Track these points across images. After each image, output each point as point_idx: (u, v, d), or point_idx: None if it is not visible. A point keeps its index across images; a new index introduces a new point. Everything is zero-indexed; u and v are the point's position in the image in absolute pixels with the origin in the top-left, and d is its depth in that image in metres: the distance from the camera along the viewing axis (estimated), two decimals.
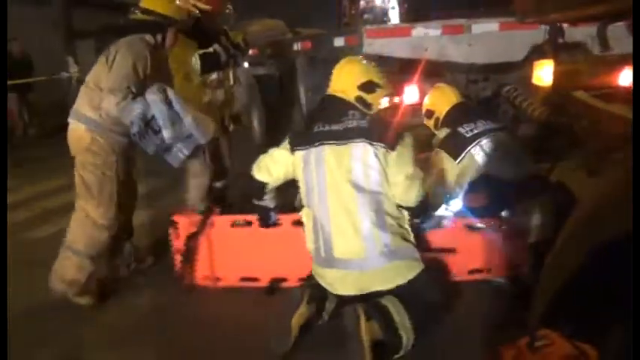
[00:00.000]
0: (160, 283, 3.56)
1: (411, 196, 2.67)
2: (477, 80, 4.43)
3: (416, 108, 4.15)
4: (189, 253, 3.33)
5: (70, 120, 3.23)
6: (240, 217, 3.25)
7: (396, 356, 2.41)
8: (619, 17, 1.81)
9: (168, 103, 3.11)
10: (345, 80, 2.80)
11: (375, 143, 2.57)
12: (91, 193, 3.17)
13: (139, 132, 3.03)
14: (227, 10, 3.78)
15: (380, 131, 2.60)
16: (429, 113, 3.70)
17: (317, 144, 2.68)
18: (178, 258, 3.36)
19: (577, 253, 1.15)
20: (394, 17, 16.36)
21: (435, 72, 4.19)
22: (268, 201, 3.04)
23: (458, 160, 3.24)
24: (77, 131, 3.17)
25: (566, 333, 1.53)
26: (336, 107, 2.71)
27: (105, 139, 3.13)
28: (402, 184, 2.63)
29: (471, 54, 3.86)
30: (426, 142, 4.16)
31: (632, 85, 3.84)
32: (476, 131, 3.28)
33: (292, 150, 2.77)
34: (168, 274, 3.47)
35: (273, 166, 2.90)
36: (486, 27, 3.83)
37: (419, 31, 3.65)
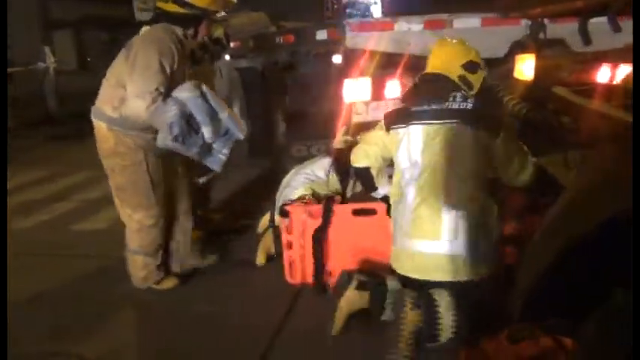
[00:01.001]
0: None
1: (523, 177, 2.63)
2: None
3: (397, 103, 4.17)
4: (307, 248, 3.17)
5: (93, 118, 3.11)
6: (363, 205, 3.11)
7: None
8: (601, 11, 1.81)
9: (205, 98, 2.94)
10: (448, 58, 2.71)
11: (477, 127, 2.50)
12: (127, 196, 3.12)
13: (181, 133, 2.85)
14: None
15: (484, 115, 2.54)
16: None
17: (415, 122, 2.61)
18: (289, 254, 3.22)
19: (555, 246, 1.16)
20: (376, 12, 16.59)
21: (417, 67, 4.20)
22: (381, 189, 2.92)
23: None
24: (100, 130, 3.05)
25: (546, 326, 1.55)
26: (440, 85, 2.62)
27: (130, 138, 3.00)
28: (512, 167, 2.59)
29: None
30: None
31: (611, 81, 3.91)
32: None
33: (388, 129, 2.72)
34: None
35: (369, 148, 2.87)
36: (468, 22, 3.85)
37: (401, 25, 3.66)
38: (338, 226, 3.15)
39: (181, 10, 2.97)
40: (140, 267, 3.29)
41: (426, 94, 2.61)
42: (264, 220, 4.25)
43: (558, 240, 1.13)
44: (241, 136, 3.10)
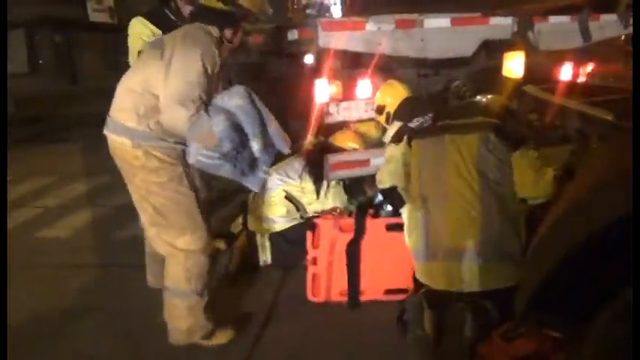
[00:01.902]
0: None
1: (541, 188, 2.61)
2: (427, 75, 4.50)
3: (368, 102, 4.18)
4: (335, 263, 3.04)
5: (108, 132, 2.64)
6: (396, 220, 2.99)
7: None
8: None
9: (255, 106, 2.57)
10: None
11: (500, 139, 2.57)
12: (169, 220, 2.61)
13: (234, 149, 2.43)
14: None
15: (508, 128, 2.63)
16: (380, 109, 3.84)
17: (439, 134, 2.66)
18: (313, 270, 3.08)
19: (556, 248, 1.16)
20: (336, 13, 16.44)
21: (388, 66, 4.22)
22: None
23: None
24: (122, 148, 2.57)
25: (542, 323, 1.56)
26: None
27: (161, 151, 2.57)
28: (530, 178, 2.59)
29: (423, 49, 3.89)
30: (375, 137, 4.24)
31: (574, 78, 4.03)
32: (425, 124, 3.38)
33: (409, 141, 2.77)
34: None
35: (391, 166, 2.87)
36: (438, 22, 3.88)
37: (372, 25, 3.64)
38: (370, 240, 3.06)
39: (227, 9, 2.66)
40: (184, 315, 2.70)
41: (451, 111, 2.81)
42: (237, 222, 4.19)
43: (563, 238, 1.14)
44: (286, 151, 2.77)
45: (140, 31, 3.48)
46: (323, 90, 3.94)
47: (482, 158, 2.55)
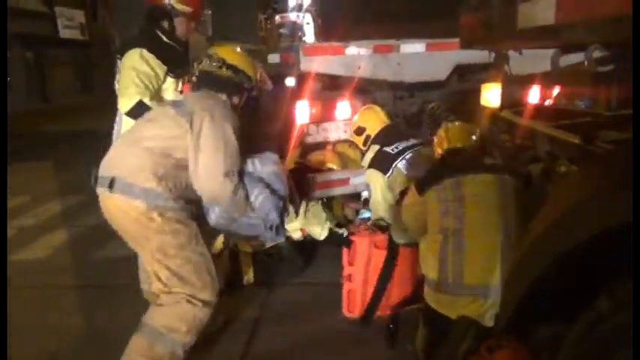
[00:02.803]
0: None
1: None
2: (403, 97, 4.65)
3: (346, 123, 4.31)
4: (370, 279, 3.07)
5: (112, 193, 2.43)
6: None
7: None
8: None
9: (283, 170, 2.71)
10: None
11: (513, 179, 2.67)
12: (190, 280, 2.51)
13: (281, 219, 2.56)
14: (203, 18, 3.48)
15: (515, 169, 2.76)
16: (360, 130, 3.95)
17: (455, 175, 2.68)
18: (349, 285, 3.10)
19: (538, 262, 1.27)
20: (309, 33, 16.69)
21: (365, 89, 4.37)
22: None
23: (387, 174, 3.56)
24: (132, 211, 2.42)
25: (521, 335, 1.66)
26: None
27: (179, 212, 2.49)
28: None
29: (399, 72, 4.06)
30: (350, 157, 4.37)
31: (542, 101, 4.23)
32: (401, 147, 3.62)
33: (421, 191, 2.77)
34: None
35: (412, 226, 2.90)
36: (414, 47, 4.05)
37: (352, 49, 3.79)
38: (402, 257, 3.13)
39: (236, 79, 2.73)
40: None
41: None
42: (219, 241, 4.22)
43: (543, 254, 1.24)
44: (285, 194, 2.79)
45: (138, 66, 3.15)
46: (304, 111, 4.06)
47: (501, 196, 2.63)
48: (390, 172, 3.57)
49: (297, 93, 4.02)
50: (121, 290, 3.69)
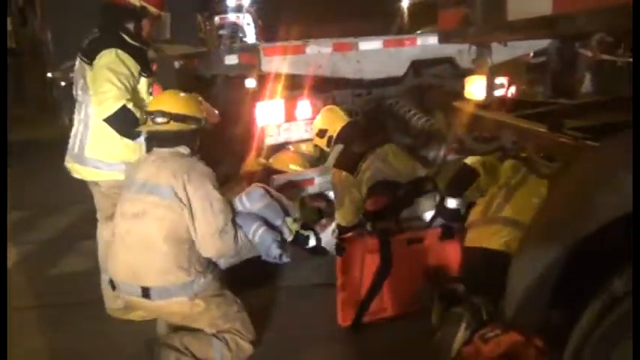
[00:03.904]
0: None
1: None
2: (361, 94, 4.67)
3: (307, 123, 4.28)
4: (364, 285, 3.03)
5: (158, 300, 2.54)
6: (413, 234, 3.10)
7: None
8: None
9: (274, 198, 2.89)
10: None
11: None
12: (241, 332, 2.70)
13: (282, 249, 2.75)
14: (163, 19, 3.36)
15: None
16: (322, 132, 3.95)
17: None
18: (343, 295, 3.00)
19: (541, 255, 1.28)
20: (250, 33, 16.53)
21: (324, 87, 4.36)
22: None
23: (355, 174, 3.62)
24: (175, 306, 2.58)
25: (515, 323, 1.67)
26: None
27: (213, 285, 2.66)
28: None
29: (359, 70, 4.07)
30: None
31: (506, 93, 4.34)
32: (365, 146, 3.69)
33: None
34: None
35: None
36: (372, 45, 4.08)
37: (312, 48, 3.78)
38: (395, 257, 3.08)
39: (187, 128, 2.73)
40: None
41: None
42: None
43: (551, 244, 1.25)
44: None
45: (115, 67, 2.98)
46: (264, 113, 4.00)
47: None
48: (357, 171, 3.60)
49: (257, 94, 3.95)
50: (84, 307, 3.53)
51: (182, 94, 2.86)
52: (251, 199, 2.77)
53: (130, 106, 2.97)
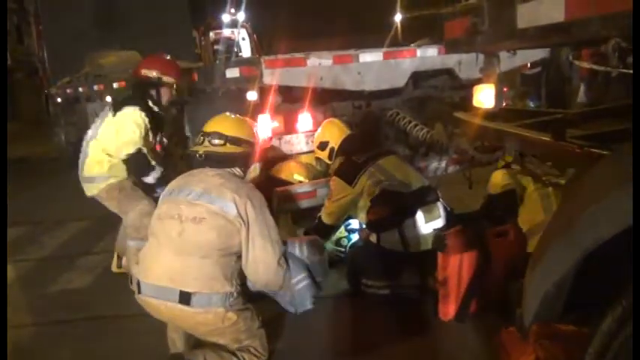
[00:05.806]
0: None
1: None
2: (360, 106, 4.70)
3: (308, 135, 4.30)
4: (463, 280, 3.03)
5: (197, 308, 2.49)
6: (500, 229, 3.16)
7: None
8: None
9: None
10: None
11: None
12: (249, 342, 2.70)
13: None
14: None
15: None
16: (324, 145, 3.97)
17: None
18: (444, 291, 3.04)
19: (558, 261, 1.28)
20: (246, 48, 16.53)
21: (324, 100, 4.38)
22: None
23: (352, 184, 3.65)
24: (209, 316, 2.53)
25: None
26: None
27: (241, 295, 2.64)
28: None
29: (360, 82, 4.10)
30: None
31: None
32: (366, 157, 3.72)
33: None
34: None
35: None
36: (372, 56, 4.11)
37: (313, 61, 3.80)
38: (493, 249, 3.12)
39: (243, 151, 2.83)
40: None
41: None
42: None
43: (570, 246, 1.25)
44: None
45: (139, 122, 3.72)
46: (266, 125, 4.01)
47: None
48: (356, 181, 3.61)
49: (258, 107, 3.97)
50: (85, 323, 3.52)
51: (238, 117, 2.99)
52: (310, 248, 2.89)
53: (144, 151, 3.72)
